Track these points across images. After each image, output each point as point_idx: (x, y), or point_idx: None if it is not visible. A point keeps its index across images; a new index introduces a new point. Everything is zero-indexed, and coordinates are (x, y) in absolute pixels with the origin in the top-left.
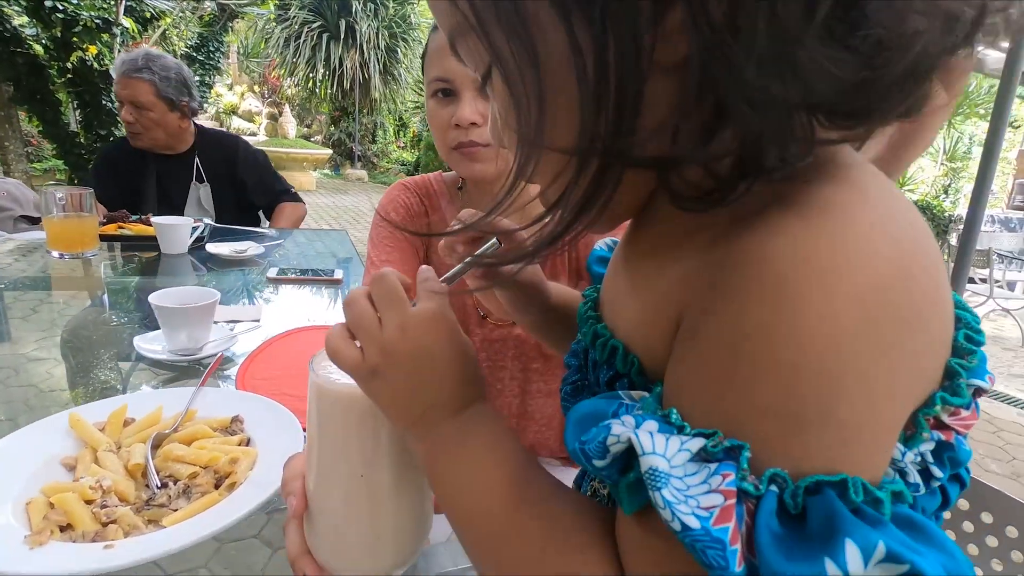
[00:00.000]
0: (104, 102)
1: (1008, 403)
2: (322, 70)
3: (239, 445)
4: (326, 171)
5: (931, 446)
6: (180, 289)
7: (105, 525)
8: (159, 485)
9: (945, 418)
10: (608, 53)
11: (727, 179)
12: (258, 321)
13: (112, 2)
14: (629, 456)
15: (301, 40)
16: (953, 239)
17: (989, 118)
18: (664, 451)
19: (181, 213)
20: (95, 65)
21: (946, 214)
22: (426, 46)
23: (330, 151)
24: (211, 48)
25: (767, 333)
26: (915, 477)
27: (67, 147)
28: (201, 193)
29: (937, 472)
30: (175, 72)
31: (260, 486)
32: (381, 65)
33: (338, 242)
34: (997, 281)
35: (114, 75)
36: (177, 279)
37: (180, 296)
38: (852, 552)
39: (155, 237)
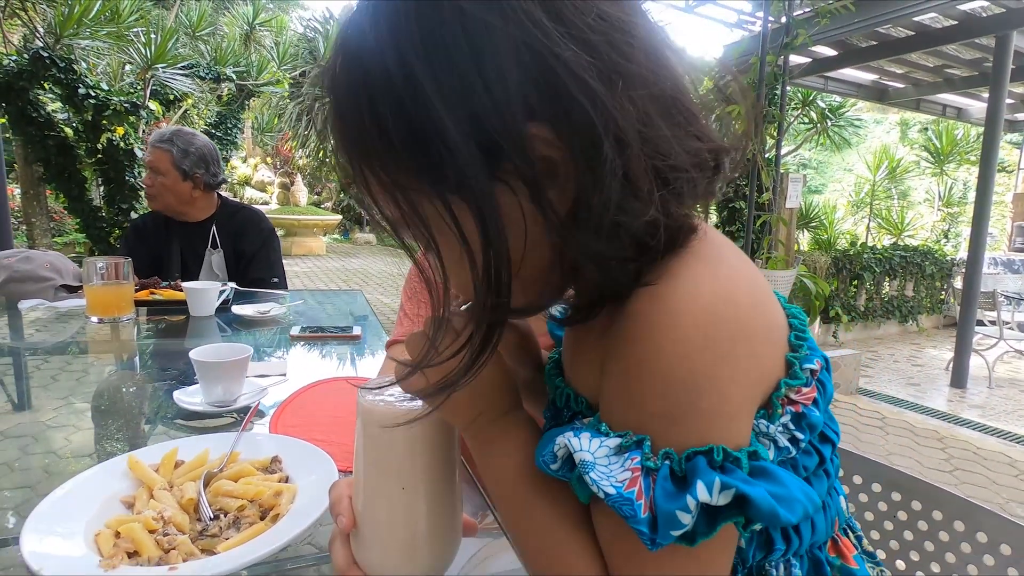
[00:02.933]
0: (127, 178)
1: (1008, 439)
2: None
3: (279, 482)
4: (336, 236)
5: (787, 418)
6: (215, 346)
7: (167, 551)
8: (211, 517)
9: (792, 396)
10: (489, 243)
11: (588, 305)
12: (285, 375)
13: (140, 87)
14: (571, 459)
15: (313, 114)
16: (958, 282)
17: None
18: (589, 448)
19: (196, 278)
20: (121, 144)
21: (948, 258)
22: None
23: (339, 216)
24: (229, 125)
25: (642, 362)
26: (784, 442)
27: (90, 221)
28: (214, 259)
29: (800, 436)
30: (196, 148)
31: (301, 516)
32: None
33: (353, 301)
34: (1007, 323)
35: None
36: (205, 339)
37: (216, 352)
38: (701, 488)
39: (184, 301)
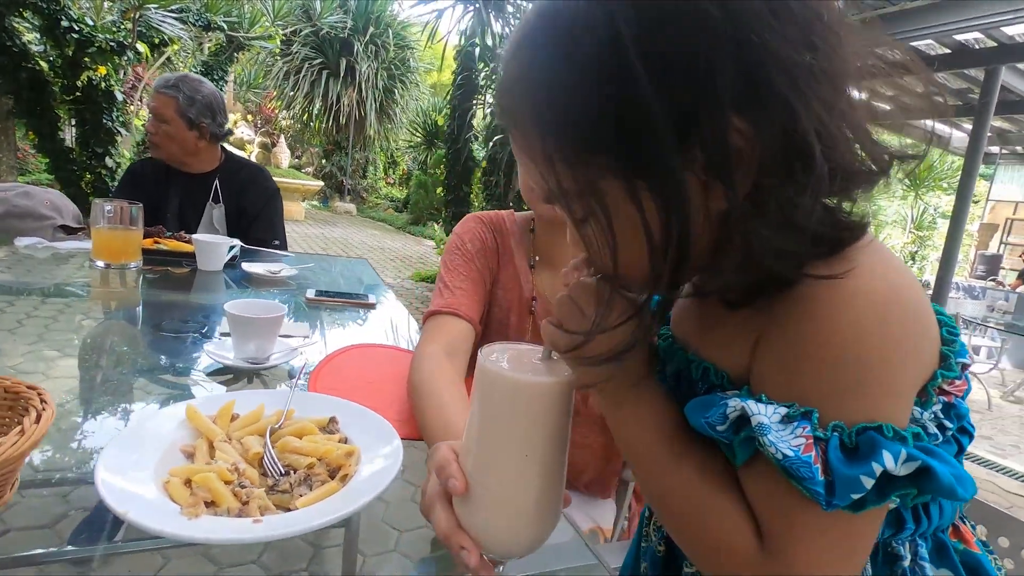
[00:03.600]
0: (105, 121)
1: (978, 463)
2: (319, 104)
3: (340, 442)
4: (315, 202)
5: (939, 407)
6: (247, 301)
7: (244, 503)
8: (282, 473)
9: (945, 387)
10: (671, 225)
11: (752, 288)
12: (309, 336)
13: (126, 26)
14: (740, 422)
15: (301, 75)
16: None
17: (955, 192)
18: (765, 413)
19: (194, 231)
20: (101, 85)
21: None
22: None
23: (320, 183)
24: (214, 76)
25: (815, 339)
26: (933, 429)
27: (60, 163)
28: (215, 214)
29: (948, 424)
30: (203, 95)
31: (372, 477)
32: (378, 104)
33: (362, 269)
34: None
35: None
36: (213, 295)
37: (249, 308)
38: (887, 457)
39: (190, 253)
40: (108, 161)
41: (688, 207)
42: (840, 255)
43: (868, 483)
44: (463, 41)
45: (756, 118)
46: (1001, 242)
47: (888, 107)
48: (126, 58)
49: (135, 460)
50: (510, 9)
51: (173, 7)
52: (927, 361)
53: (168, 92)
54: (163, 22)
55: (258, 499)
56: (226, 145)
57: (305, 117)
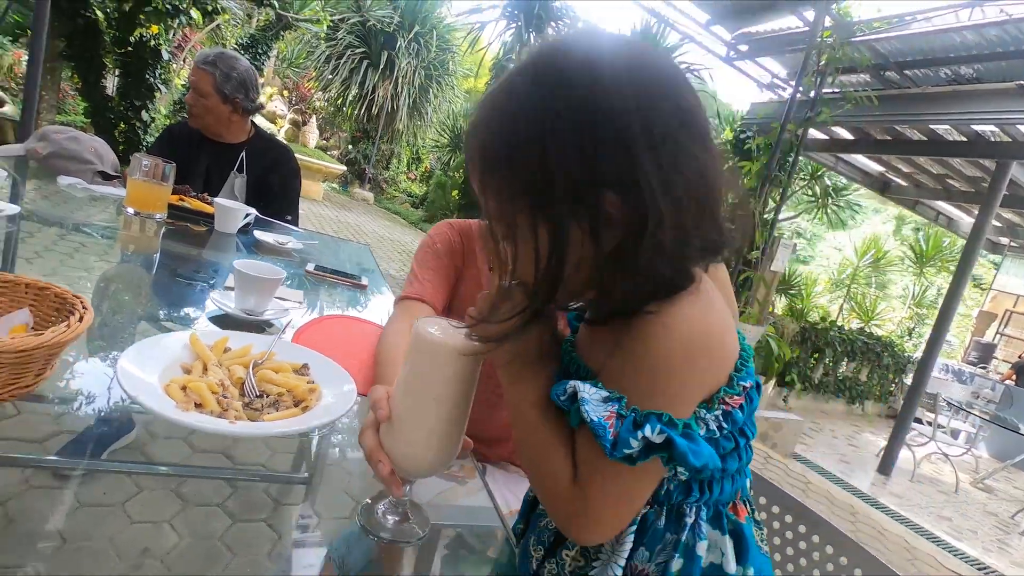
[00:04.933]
0: (147, 77)
1: (929, 539)
2: (354, 92)
3: (308, 383)
4: (334, 185)
5: (719, 412)
6: (254, 262)
7: (224, 410)
8: (256, 395)
9: (727, 399)
10: (552, 258)
11: (608, 313)
12: (302, 303)
13: None
14: (573, 397)
15: (342, 61)
16: (909, 379)
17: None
18: (590, 393)
19: (216, 195)
20: (151, 43)
21: (906, 354)
22: None
23: (344, 168)
24: (259, 50)
25: (641, 356)
26: (712, 426)
27: (99, 109)
28: (237, 183)
29: (725, 425)
30: (238, 73)
31: (326, 411)
32: (411, 100)
33: (362, 253)
34: (942, 427)
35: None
36: (224, 254)
37: (255, 268)
38: (648, 429)
39: (210, 214)
40: (144, 115)
41: (566, 249)
42: (672, 299)
43: (635, 444)
44: (501, 53)
45: (624, 199)
46: (997, 332)
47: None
48: (179, 21)
49: (147, 365)
50: (551, 31)
51: None
52: (713, 382)
53: (206, 68)
54: None
55: (235, 409)
56: (257, 119)
57: (339, 101)
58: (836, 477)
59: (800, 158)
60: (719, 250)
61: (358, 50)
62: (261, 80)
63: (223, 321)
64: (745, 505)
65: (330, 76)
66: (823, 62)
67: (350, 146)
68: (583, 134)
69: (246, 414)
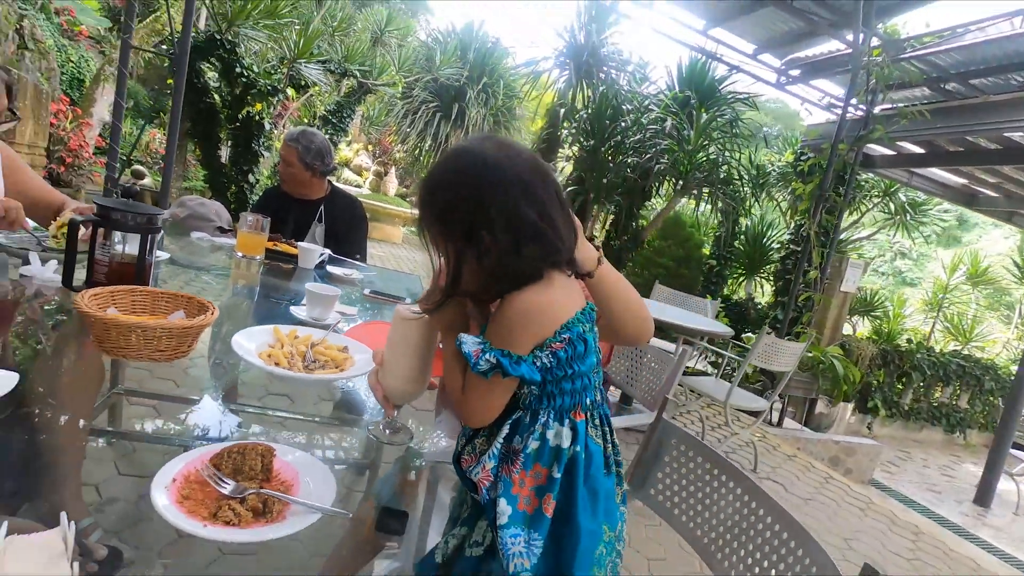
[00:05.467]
0: (253, 145)
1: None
2: (429, 142)
3: (344, 356)
4: (413, 229)
5: (548, 352)
6: (320, 284)
7: (291, 366)
8: (312, 361)
9: (552, 345)
10: (457, 268)
11: (491, 298)
12: (355, 315)
13: (281, 73)
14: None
15: (417, 115)
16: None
17: None
18: (468, 340)
19: (301, 240)
20: (256, 118)
21: (1012, 377)
22: None
23: None
24: (344, 114)
25: (501, 320)
26: (545, 360)
27: (215, 175)
28: (317, 231)
29: (551, 361)
30: (316, 145)
31: (354, 370)
32: None
33: (412, 282)
34: None
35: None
36: (304, 283)
37: (321, 288)
38: (490, 355)
39: (294, 255)
40: (251, 177)
41: (463, 264)
42: (522, 288)
43: (484, 365)
44: (555, 98)
45: (493, 235)
46: None
47: None
48: (277, 98)
49: (250, 341)
50: (601, 76)
51: (318, 59)
52: (541, 333)
53: (292, 144)
54: (310, 70)
55: (297, 367)
56: (345, 171)
57: (416, 152)
58: (921, 507)
59: (870, 176)
60: (552, 258)
61: (431, 104)
62: (348, 138)
63: (299, 326)
64: (583, 413)
65: (407, 130)
66: (873, 81)
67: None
68: (469, 200)
69: (304, 369)
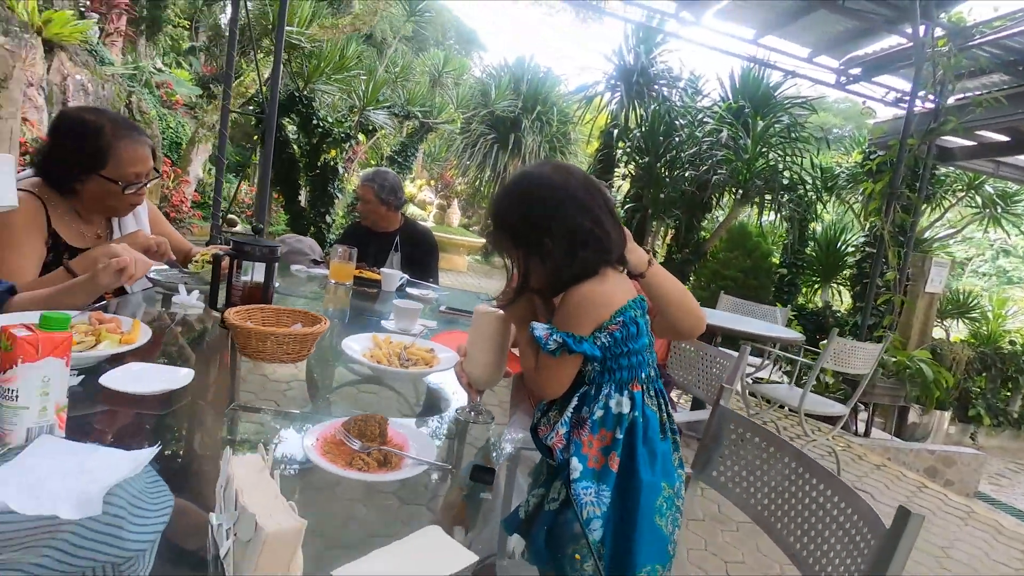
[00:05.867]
0: (329, 189)
1: None
2: (488, 172)
3: (431, 355)
4: (477, 257)
5: (606, 333)
6: (406, 300)
7: (389, 363)
8: (406, 359)
9: (609, 327)
10: (527, 270)
11: (554, 292)
12: (434, 326)
13: (352, 121)
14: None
15: (476, 148)
16: None
17: None
18: (539, 327)
19: (382, 267)
20: (330, 164)
21: None
22: None
23: (483, 240)
24: (408, 153)
25: (564, 306)
26: (604, 340)
27: (296, 218)
28: (395, 258)
29: (609, 340)
30: (388, 182)
31: (441, 365)
32: None
33: (480, 301)
34: None
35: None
36: (388, 304)
37: (406, 303)
38: (558, 336)
39: (378, 281)
40: (328, 218)
41: (531, 267)
42: (580, 282)
43: (552, 344)
44: (608, 121)
45: (554, 241)
46: None
47: None
48: (349, 144)
49: (355, 345)
50: (653, 94)
51: (384, 105)
52: (597, 318)
53: (368, 183)
54: (377, 116)
55: (395, 363)
56: (410, 206)
57: (476, 183)
58: None
59: (950, 170)
60: (604, 257)
61: (489, 137)
62: (412, 175)
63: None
64: (640, 384)
65: (467, 163)
66: (941, 72)
67: (489, 220)
68: (532, 215)
69: (401, 366)
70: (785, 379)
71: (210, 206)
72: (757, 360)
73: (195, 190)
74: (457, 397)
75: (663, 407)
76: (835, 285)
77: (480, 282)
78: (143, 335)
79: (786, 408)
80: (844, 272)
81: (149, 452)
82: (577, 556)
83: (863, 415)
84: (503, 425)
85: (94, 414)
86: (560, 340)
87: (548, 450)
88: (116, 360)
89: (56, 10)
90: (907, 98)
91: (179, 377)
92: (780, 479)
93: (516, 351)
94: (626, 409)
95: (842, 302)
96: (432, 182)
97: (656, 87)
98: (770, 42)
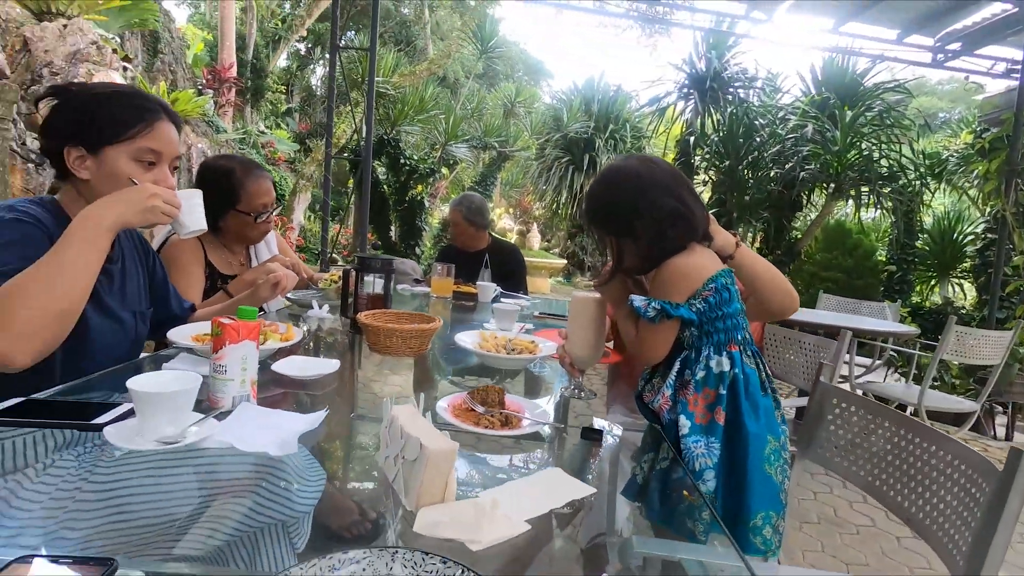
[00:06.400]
0: (416, 222)
1: None
2: (565, 195)
3: (534, 345)
4: (560, 279)
5: (700, 300)
6: (506, 303)
7: (499, 353)
8: (512, 349)
9: (703, 294)
10: (621, 253)
11: (649, 267)
12: (530, 328)
13: (435, 156)
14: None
15: (551, 172)
16: None
17: None
18: (637, 300)
19: (475, 281)
20: (417, 198)
21: None
22: None
23: (564, 261)
24: (488, 182)
25: (660, 278)
26: (698, 305)
27: (388, 251)
28: (485, 274)
29: (703, 305)
30: (475, 205)
31: (543, 352)
32: None
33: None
34: None
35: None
36: (486, 313)
37: (505, 305)
38: (655, 304)
39: (474, 294)
40: (417, 250)
41: (623, 249)
42: (670, 257)
43: (652, 312)
44: (683, 129)
45: (644, 224)
46: None
47: None
48: (433, 178)
49: (465, 339)
50: (728, 97)
51: (463, 139)
52: (691, 286)
53: (457, 208)
54: (457, 150)
55: (503, 352)
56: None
57: (554, 206)
58: None
59: None
60: (690, 234)
61: (563, 160)
62: (491, 203)
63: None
64: (737, 345)
65: (543, 187)
66: None
67: (568, 241)
68: (622, 202)
69: (508, 354)
70: (901, 380)
71: (311, 250)
72: (867, 361)
73: (299, 235)
74: (559, 383)
75: (760, 366)
76: (955, 279)
77: (564, 303)
78: (297, 335)
79: (908, 410)
80: (964, 264)
81: (319, 415)
82: (693, 507)
83: (1001, 419)
84: (601, 403)
85: (271, 395)
86: (658, 307)
87: (654, 414)
88: (279, 354)
89: (180, 90)
90: (1019, 66)
91: (330, 365)
92: (887, 446)
93: (611, 345)
94: (727, 368)
95: (964, 297)
96: (511, 209)
97: (731, 90)
98: (852, 29)
